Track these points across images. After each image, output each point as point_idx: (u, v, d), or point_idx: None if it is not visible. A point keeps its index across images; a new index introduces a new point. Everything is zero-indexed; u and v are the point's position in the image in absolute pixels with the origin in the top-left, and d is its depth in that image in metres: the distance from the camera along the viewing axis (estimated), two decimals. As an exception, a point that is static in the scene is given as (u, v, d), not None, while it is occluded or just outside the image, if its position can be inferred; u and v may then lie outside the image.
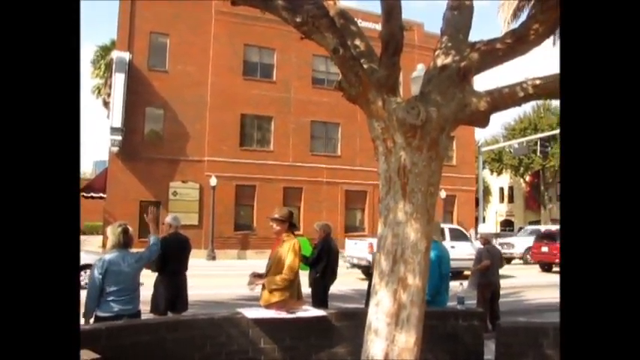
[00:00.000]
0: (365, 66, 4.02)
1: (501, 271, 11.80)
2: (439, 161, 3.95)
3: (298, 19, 4.01)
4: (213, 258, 27.32)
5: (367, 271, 18.00)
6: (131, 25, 27.41)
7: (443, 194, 33.83)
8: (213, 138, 28.72)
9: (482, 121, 4.25)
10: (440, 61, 4.29)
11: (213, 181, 27.67)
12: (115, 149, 26.60)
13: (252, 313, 5.26)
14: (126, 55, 26.72)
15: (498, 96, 4.25)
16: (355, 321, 5.08)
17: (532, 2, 14.84)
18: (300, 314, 5.31)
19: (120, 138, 26.00)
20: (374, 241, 21.44)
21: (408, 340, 3.69)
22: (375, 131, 3.97)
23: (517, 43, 4.40)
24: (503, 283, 18.90)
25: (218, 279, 18.66)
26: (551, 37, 17.53)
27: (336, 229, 29.80)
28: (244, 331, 5.12)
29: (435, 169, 3.90)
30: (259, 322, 5.17)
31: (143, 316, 5.76)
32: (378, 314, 3.75)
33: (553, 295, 13.73)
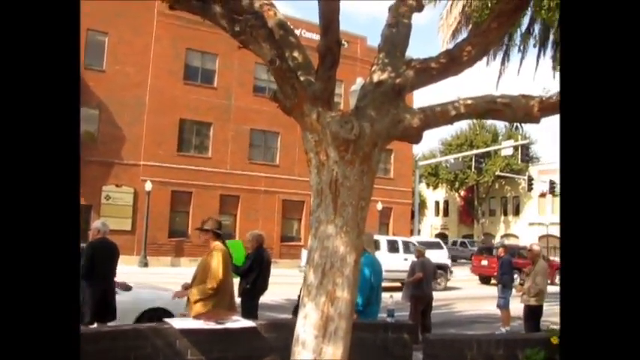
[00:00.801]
0: (302, 78, 4.03)
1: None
2: (371, 175, 3.99)
3: (236, 28, 3.99)
4: (146, 265, 26.66)
5: None
6: (68, 22, 26.61)
7: (379, 206, 34.27)
8: (150, 142, 28.10)
9: (415, 137, 4.32)
10: (376, 77, 4.35)
11: (148, 186, 27.03)
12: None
13: (179, 323, 5.16)
14: (61, 53, 25.95)
15: (431, 114, 4.34)
16: (285, 332, 5.05)
17: (470, 25, 15.30)
18: (229, 325, 5.25)
19: (51, 138, 25.14)
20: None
21: (335, 352, 3.70)
22: (309, 144, 3.98)
23: (451, 63, 4.51)
24: (445, 294, 19.43)
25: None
26: (484, 58, 18.00)
27: (272, 238, 29.88)
28: (171, 342, 5.01)
29: (367, 183, 3.93)
30: (187, 333, 5.07)
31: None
32: (306, 327, 3.74)
33: (485, 307, 14.14)
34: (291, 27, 4.59)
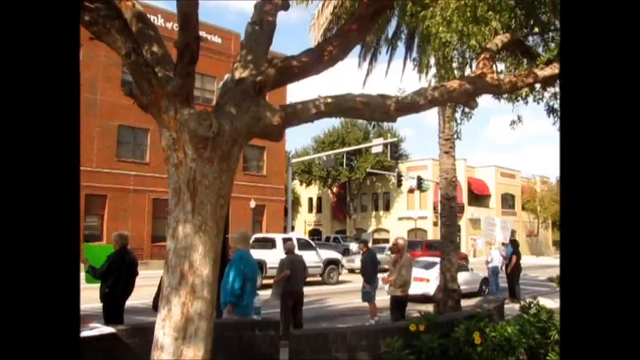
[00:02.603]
0: (160, 74, 3.90)
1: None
2: (230, 173, 3.95)
3: (87, 18, 3.77)
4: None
5: None
6: None
7: (253, 204, 34.25)
8: (5, 139, 26.09)
9: (276, 135, 4.34)
10: (237, 74, 4.32)
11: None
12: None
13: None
14: None
15: (292, 111, 4.38)
16: (149, 336, 4.88)
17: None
18: (85, 333, 4.97)
19: None
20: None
21: (195, 354, 3.62)
22: (167, 141, 3.86)
23: (312, 62, 4.58)
24: (318, 289, 19.78)
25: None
26: (357, 60, 18.53)
27: (142, 239, 28.91)
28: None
29: (226, 181, 3.89)
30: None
31: None
32: (165, 329, 3.63)
33: (357, 301, 14.55)
34: (151, 17, 4.43)
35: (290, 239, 22.48)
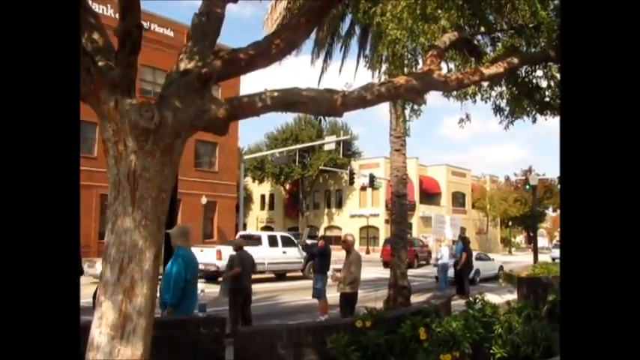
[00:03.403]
0: (101, 63, 3.76)
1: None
2: (172, 167, 3.85)
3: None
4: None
5: (216, 277, 19.56)
6: None
7: (204, 200, 33.87)
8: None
9: (221, 128, 4.26)
10: (182, 66, 4.21)
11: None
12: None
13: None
14: None
15: (238, 105, 4.31)
16: (86, 336, 4.73)
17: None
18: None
19: None
20: (223, 247, 21.97)
21: (134, 353, 3.51)
22: (107, 133, 3.73)
23: (259, 55, 4.51)
24: (271, 286, 19.70)
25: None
26: (310, 57, 18.51)
27: (89, 235, 28.21)
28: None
29: (168, 175, 3.79)
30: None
31: None
32: (102, 327, 3.50)
33: (309, 298, 14.58)
34: (99, 6, 4.29)
35: (275, 236, 23.86)
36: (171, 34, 32.83)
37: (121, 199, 3.62)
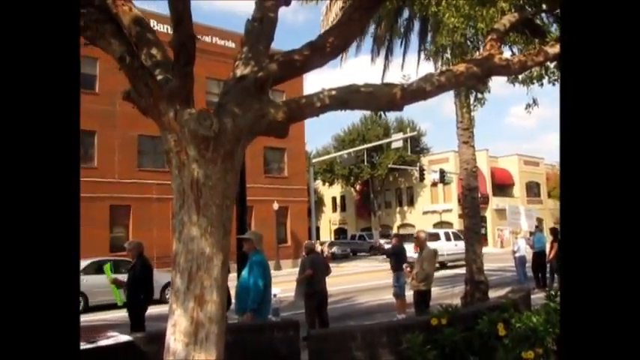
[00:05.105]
0: (160, 76, 3.83)
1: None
2: (235, 173, 3.87)
3: (80, 23, 3.73)
4: (32, 285, 25.13)
5: None
6: None
7: (275, 206, 34.24)
8: (28, 155, 26.45)
9: (281, 131, 4.25)
10: (239, 72, 4.24)
11: (29, 202, 25.49)
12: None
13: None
14: None
15: (295, 106, 4.29)
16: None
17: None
18: (102, 343, 4.94)
19: None
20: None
21: (207, 359, 3.55)
22: (168, 144, 3.80)
23: (314, 54, 4.48)
24: (345, 287, 19.74)
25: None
26: (369, 55, 18.42)
27: (168, 247, 29.03)
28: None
29: (231, 181, 3.81)
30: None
31: None
32: (176, 335, 3.57)
33: (385, 297, 14.47)
34: (152, 22, 4.39)
35: (448, 232, 29.48)
36: (233, 45, 33.46)
37: (186, 207, 3.67)
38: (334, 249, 40.61)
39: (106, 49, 3.78)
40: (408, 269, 11.32)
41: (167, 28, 24.85)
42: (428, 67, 41.42)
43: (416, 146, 50.93)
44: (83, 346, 4.84)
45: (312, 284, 10.73)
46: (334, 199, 66.84)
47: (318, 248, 29.51)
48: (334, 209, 67.11)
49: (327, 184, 61.73)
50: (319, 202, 58.97)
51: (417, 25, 17.16)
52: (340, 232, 63.56)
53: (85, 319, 13.18)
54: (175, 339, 3.57)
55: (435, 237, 29.53)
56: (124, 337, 5.22)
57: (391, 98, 4.40)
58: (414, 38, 17.78)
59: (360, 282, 23.10)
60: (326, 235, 60.69)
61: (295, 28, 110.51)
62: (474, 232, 14.61)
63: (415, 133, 48.80)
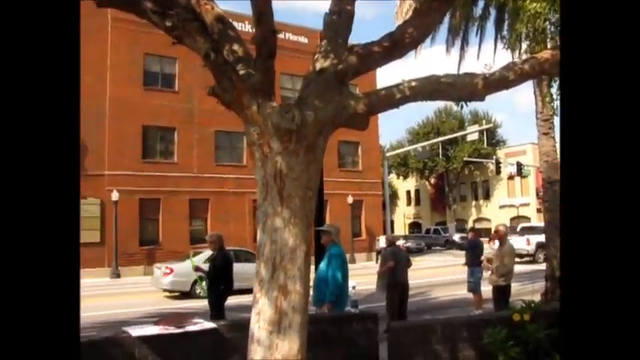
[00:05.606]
0: (242, 71, 3.93)
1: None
2: (317, 165, 3.91)
3: (168, 24, 3.88)
4: (118, 275, 26.29)
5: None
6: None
7: (350, 199, 34.29)
8: (113, 151, 27.65)
9: (361, 123, 4.26)
10: (318, 65, 4.28)
11: (114, 196, 26.65)
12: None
13: (137, 331, 5.03)
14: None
15: (376, 98, 4.29)
16: (247, 331, 4.96)
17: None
18: (189, 328, 5.13)
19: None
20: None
21: (291, 347, 3.62)
22: (252, 137, 3.90)
23: (393, 46, 4.45)
24: (421, 282, 19.59)
25: (122, 297, 17.92)
26: (444, 46, 18.12)
27: (244, 240, 29.68)
28: (129, 351, 4.87)
29: (313, 173, 3.86)
30: (146, 340, 4.94)
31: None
32: (260, 323, 3.66)
33: (461, 292, 14.23)
34: (232, 21, 4.49)
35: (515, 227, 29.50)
36: (305, 40, 33.70)
37: (270, 199, 3.75)
38: (408, 243, 40.19)
39: (192, 46, 3.90)
40: (487, 263, 11.07)
41: (244, 26, 25.37)
42: (505, 56, 40.28)
43: (492, 139, 49.58)
44: (173, 331, 5.06)
45: (394, 277, 10.65)
46: (408, 192, 66.25)
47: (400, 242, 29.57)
48: (408, 203, 66.53)
49: (401, 177, 61.28)
50: (393, 195, 58.59)
51: (493, 13, 16.71)
52: (414, 226, 62.96)
53: (241, 300, 13.66)
54: (259, 327, 3.66)
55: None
56: (209, 324, 5.39)
57: (473, 88, 4.32)
58: (490, 27, 17.31)
59: (434, 276, 22.80)
60: (400, 228, 60.26)
61: (365, 22, 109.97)
62: (554, 227, 14.12)
63: (491, 125, 47.57)
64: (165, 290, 17.54)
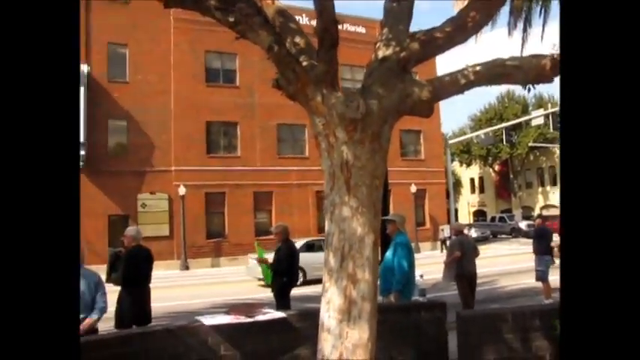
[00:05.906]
0: (305, 63, 3.96)
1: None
2: (382, 153, 3.90)
3: (231, 19, 3.94)
4: (187, 268, 27.06)
5: None
6: (87, 36, 26.86)
7: (413, 188, 34.01)
8: (179, 147, 28.41)
9: (426, 110, 4.22)
10: (380, 53, 4.26)
11: (182, 191, 27.41)
12: (80, 164, 26.17)
13: (210, 320, 5.17)
14: (84, 68, 26.14)
15: (439, 84, 4.23)
16: (316, 320, 5.03)
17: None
18: (259, 318, 5.24)
19: (83, 153, 25.53)
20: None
21: (361, 336, 3.64)
22: (317, 127, 3.92)
23: (456, 31, 4.38)
24: (487, 270, 19.27)
25: (192, 289, 18.45)
26: (506, 28, 17.64)
27: (309, 231, 29.93)
28: (203, 339, 5.02)
29: (379, 161, 3.85)
30: (218, 329, 5.08)
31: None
32: (330, 312, 3.70)
33: (528, 281, 13.90)
34: (292, 15, 4.53)
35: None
36: (363, 30, 33.54)
37: (337, 188, 3.77)
38: (473, 231, 39.50)
39: (255, 40, 3.95)
40: (558, 251, 10.74)
41: (302, 19, 25.50)
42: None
43: (557, 122, 47.99)
44: (243, 320, 5.18)
45: (462, 266, 10.49)
46: (472, 180, 65.08)
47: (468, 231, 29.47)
48: (472, 191, 65.36)
49: (464, 165, 60.26)
50: (457, 183, 57.73)
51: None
52: (479, 214, 61.83)
53: (304, 291, 13.98)
54: (329, 316, 3.69)
55: None
56: (279, 314, 5.49)
57: (540, 70, 4.19)
58: (555, 5, 16.69)
59: (501, 265, 22.32)
60: (464, 217, 59.35)
61: (421, 13, 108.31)
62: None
63: (557, 108, 46.03)
64: (260, 279, 17.87)
